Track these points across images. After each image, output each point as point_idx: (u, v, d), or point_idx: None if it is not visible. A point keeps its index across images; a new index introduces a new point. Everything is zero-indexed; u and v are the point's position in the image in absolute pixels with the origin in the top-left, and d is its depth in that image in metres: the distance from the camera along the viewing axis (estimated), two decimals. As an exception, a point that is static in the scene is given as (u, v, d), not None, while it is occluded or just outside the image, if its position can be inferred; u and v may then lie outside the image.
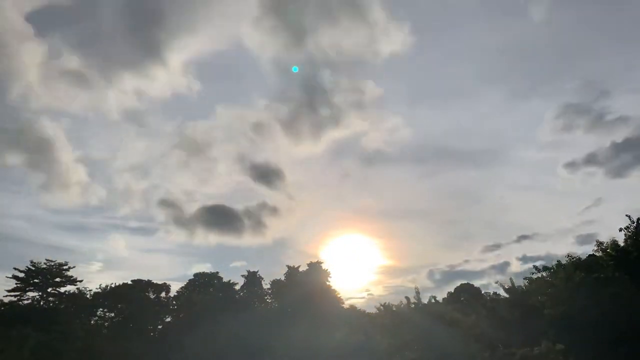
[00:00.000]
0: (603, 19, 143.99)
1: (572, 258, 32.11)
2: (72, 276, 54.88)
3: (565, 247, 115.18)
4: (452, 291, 69.89)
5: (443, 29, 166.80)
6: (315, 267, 61.11)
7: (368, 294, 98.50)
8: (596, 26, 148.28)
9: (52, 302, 53.14)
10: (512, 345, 26.19)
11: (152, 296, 61.28)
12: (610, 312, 24.69)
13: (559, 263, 32.10)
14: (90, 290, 57.00)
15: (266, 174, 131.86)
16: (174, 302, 61.64)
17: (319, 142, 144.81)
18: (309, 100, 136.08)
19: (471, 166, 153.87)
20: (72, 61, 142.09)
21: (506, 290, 32.18)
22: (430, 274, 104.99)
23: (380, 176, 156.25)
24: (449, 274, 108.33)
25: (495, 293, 40.29)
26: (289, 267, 61.92)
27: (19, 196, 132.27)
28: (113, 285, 59.40)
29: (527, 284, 33.54)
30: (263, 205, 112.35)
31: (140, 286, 60.88)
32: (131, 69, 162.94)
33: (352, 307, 65.41)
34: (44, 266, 53.32)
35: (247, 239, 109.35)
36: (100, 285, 59.43)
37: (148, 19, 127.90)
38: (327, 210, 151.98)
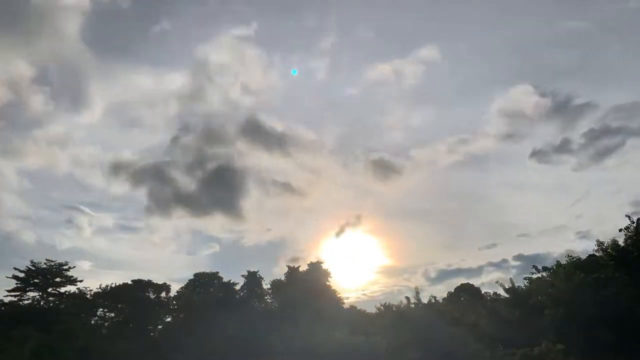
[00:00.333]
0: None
1: (572, 258, 32.15)
2: (72, 276, 55.12)
3: (561, 243, 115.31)
4: (452, 291, 70.02)
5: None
6: (315, 267, 61.18)
7: (363, 293, 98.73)
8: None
9: (52, 302, 53.26)
10: (512, 345, 26.21)
11: (152, 296, 61.32)
12: (610, 312, 24.68)
13: (558, 263, 32.14)
14: (90, 290, 57.14)
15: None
16: (174, 302, 61.69)
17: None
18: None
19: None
20: None
21: (506, 290, 32.16)
22: (428, 273, 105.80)
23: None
24: (447, 273, 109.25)
25: (495, 293, 40.31)
26: (289, 267, 62.04)
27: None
28: (113, 285, 59.50)
29: (527, 283, 33.55)
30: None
31: (140, 286, 60.92)
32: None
33: (352, 307, 65.59)
34: (44, 266, 53.46)
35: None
36: (100, 285, 59.63)
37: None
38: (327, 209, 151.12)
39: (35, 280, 52.59)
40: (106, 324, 57.20)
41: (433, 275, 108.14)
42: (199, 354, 45.21)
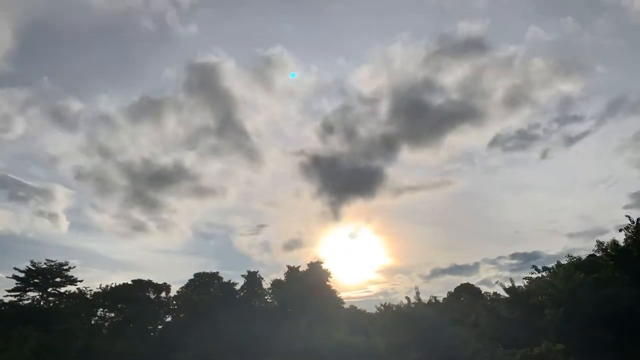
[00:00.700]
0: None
1: (572, 258, 32.15)
2: (72, 276, 55.03)
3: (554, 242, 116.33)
4: (452, 291, 70.09)
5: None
6: (315, 267, 61.11)
7: (365, 292, 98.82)
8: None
9: (52, 302, 53.20)
10: (512, 345, 26.20)
11: (152, 296, 61.37)
12: (610, 312, 24.70)
13: (559, 263, 32.12)
14: (90, 290, 57.15)
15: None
16: (174, 302, 61.71)
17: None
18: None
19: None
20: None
21: (506, 290, 32.15)
22: (426, 273, 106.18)
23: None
24: (446, 272, 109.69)
25: (495, 293, 40.33)
26: (289, 267, 61.96)
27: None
28: (113, 285, 59.54)
29: (527, 283, 33.53)
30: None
31: (140, 286, 60.97)
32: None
33: (352, 307, 65.60)
34: (44, 266, 53.40)
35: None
36: (100, 285, 59.68)
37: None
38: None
39: (35, 280, 52.53)
40: (106, 324, 57.24)
41: (432, 274, 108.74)
42: (199, 354, 45.15)
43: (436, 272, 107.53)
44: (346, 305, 63.32)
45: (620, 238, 30.78)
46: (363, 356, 37.33)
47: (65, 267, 54.61)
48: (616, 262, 29.02)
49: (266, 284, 61.61)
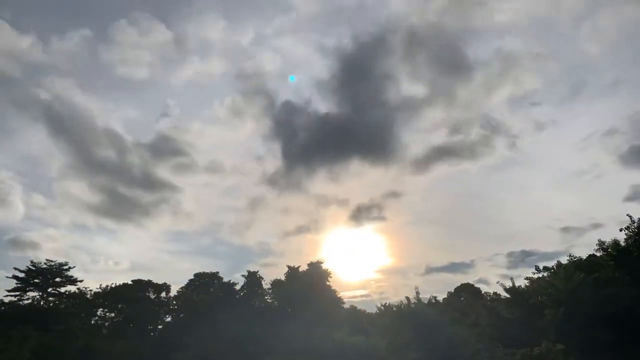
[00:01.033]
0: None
1: (573, 258, 32.15)
2: (72, 276, 55.08)
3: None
4: (452, 291, 70.13)
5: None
6: (315, 267, 61.10)
7: (365, 292, 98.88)
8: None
9: (52, 302, 53.22)
10: (512, 345, 26.17)
11: (152, 296, 61.40)
12: (610, 312, 24.68)
13: (559, 263, 32.12)
14: (90, 290, 57.19)
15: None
16: (174, 302, 61.72)
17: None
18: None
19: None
20: None
21: (506, 290, 32.12)
22: (423, 271, 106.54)
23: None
24: (442, 270, 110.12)
25: (495, 293, 40.34)
26: (289, 267, 61.94)
27: None
28: (113, 285, 59.56)
29: (527, 283, 33.52)
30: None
31: (140, 286, 60.99)
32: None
33: (352, 307, 65.56)
34: (44, 266, 53.43)
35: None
36: (100, 285, 59.71)
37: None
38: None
39: (35, 280, 52.56)
40: (106, 324, 57.28)
41: (427, 271, 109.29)
42: (199, 354, 45.16)
43: (433, 270, 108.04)
44: (346, 305, 63.38)
45: (621, 237, 30.75)
46: (363, 356, 37.32)
47: (65, 267, 54.67)
48: (616, 262, 28.99)
49: (266, 284, 61.70)
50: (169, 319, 60.78)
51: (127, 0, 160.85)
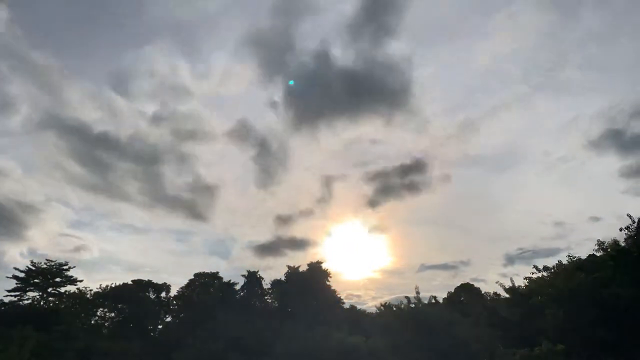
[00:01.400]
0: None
1: (573, 258, 32.10)
2: (72, 276, 55.11)
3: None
4: (452, 291, 70.02)
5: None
6: (315, 267, 61.12)
7: (366, 292, 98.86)
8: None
9: (52, 302, 53.22)
10: (512, 346, 26.15)
11: (152, 296, 61.37)
12: (610, 312, 24.66)
13: (559, 263, 32.09)
14: (90, 290, 57.18)
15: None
16: (174, 302, 61.71)
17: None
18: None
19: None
20: None
21: (506, 290, 32.12)
22: (422, 270, 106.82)
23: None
24: (440, 269, 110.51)
25: (495, 293, 40.34)
26: (289, 267, 61.99)
27: None
28: (113, 285, 59.54)
29: (527, 283, 33.49)
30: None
31: (140, 286, 60.98)
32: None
33: (352, 307, 65.58)
34: (44, 266, 53.44)
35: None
36: (100, 285, 59.72)
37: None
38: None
39: (35, 280, 52.58)
40: (106, 324, 57.27)
41: (432, 273, 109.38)
42: (199, 353, 45.16)
43: (430, 268, 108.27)
44: (346, 305, 63.41)
45: (621, 237, 30.68)
46: (363, 356, 37.33)
47: (65, 267, 54.67)
48: (617, 262, 28.92)
49: (266, 284, 61.73)
50: (169, 319, 60.87)
51: None
